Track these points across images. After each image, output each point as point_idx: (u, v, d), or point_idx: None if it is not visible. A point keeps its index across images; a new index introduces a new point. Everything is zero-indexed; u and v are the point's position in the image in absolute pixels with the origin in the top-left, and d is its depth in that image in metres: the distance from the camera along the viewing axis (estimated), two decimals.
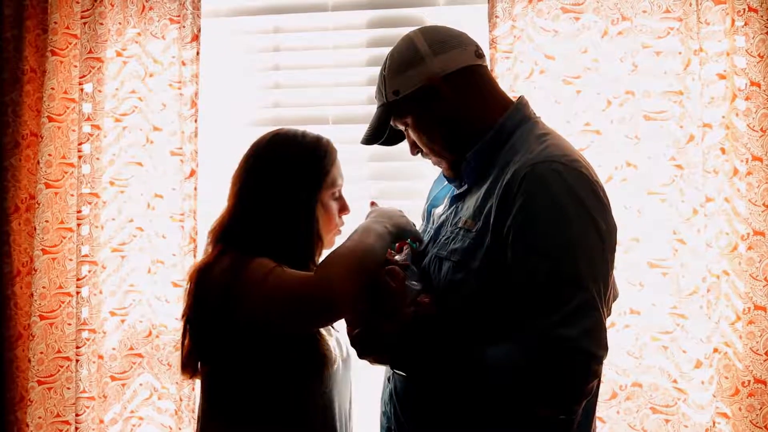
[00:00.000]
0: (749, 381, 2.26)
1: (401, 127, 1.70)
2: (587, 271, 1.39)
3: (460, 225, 1.56)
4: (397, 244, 1.72)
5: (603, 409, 2.32)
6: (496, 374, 1.41)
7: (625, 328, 2.33)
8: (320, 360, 1.70)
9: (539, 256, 1.39)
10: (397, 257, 1.65)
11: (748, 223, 2.28)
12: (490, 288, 1.46)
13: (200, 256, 2.52)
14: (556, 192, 1.41)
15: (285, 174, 1.70)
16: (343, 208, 1.81)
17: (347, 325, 1.60)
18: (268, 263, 1.59)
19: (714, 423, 2.27)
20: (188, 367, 1.73)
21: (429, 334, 1.50)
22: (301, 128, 1.79)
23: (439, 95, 1.59)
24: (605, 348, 1.39)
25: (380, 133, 1.71)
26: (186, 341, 1.72)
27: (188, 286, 1.70)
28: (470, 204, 1.57)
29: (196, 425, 2.47)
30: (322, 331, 1.72)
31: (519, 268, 1.41)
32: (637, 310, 2.33)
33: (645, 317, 2.33)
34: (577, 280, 1.38)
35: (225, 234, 1.72)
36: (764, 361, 2.25)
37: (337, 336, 1.79)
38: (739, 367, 2.28)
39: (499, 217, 1.46)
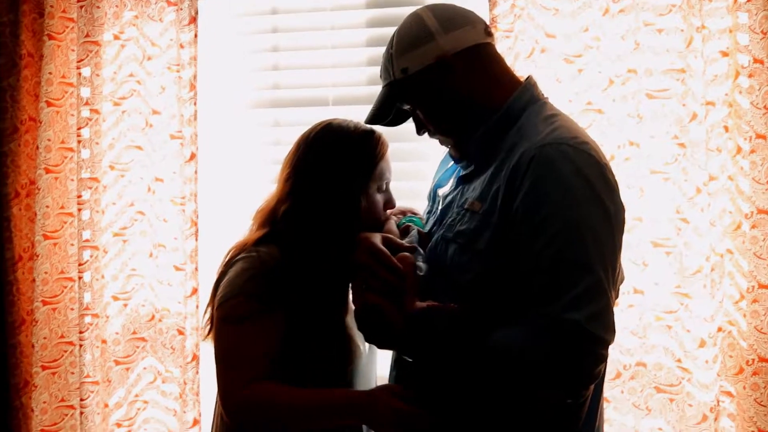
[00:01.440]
0: (753, 360, 2.26)
1: (407, 107, 1.68)
2: (595, 255, 1.38)
3: (466, 206, 1.55)
4: (403, 225, 1.72)
5: (607, 389, 2.31)
6: (503, 358, 1.40)
7: (628, 308, 2.32)
8: (345, 357, 1.74)
9: (547, 239, 1.38)
10: (405, 240, 1.65)
11: (751, 202, 2.26)
12: (497, 270, 1.46)
13: (202, 239, 2.56)
14: (564, 174, 1.40)
15: (334, 164, 1.73)
16: (389, 202, 1.81)
17: (355, 308, 1.59)
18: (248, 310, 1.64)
19: (718, 402, 2.27)
20: (205, 330, 1.79)
21: (436, 320, 1.48)
22: (353, 120, 1.80)
23: (448, 74, 1.57)
24: (612, 332, 1.39)
25: (386, 113, 1.69)
26: (209, 309, 1.77)
27: (225, 258, 1.77)
28: (477, 185, 1.56)
29: (199, 408, 2.53)
30: (349, 327, 1.74)
31: (526, 251, 1.40)
32: (640, 289, 2.32)
33: (648, 297, 2.32)
34: (584, 264, 1.37)
35: (271, 217, 1.76)
36: None
37: None
38: (743, 345, 2.27)
39: (506, 199, 1.45)
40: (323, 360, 1.71)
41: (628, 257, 2.26)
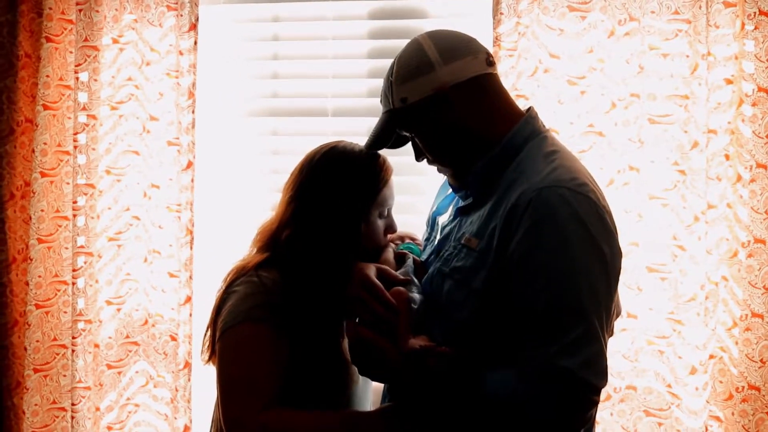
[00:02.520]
0: (743, 387, 2.27)
1: (406, 134, 1.66)
2: (590, 301, 1.38)
3: (463, 242, 1.54)
4: (399, 251, 1.72)
5: (597, 410, 2.32)
6: (494, 402, 1.40)
7: (621, 331, 2.31)
8: (344, 381, 1.74)
9: (542, 284, 1.38)
10: (400, 270, 1.64)
11: (749, 231, 2.25)
12: (492, 309, 1.45)
13: (197, 248, 2.54)
14: (562, 219, 1.39)
15: (338, 189, 1.70)
16: (390, 227, 1.79)
17: (348, 340, 1.57)
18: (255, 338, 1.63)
19: (706, 428, 2.28)
20: (206, 354, 1.76)
21: (430, 363, 1.47)
22: (358, 144, 1.77)
23: (448, 105, 1.55)
24: (605, 378, 1.39)
25: (386, 140, 1.67)
26: (209, 331, 1.75)
27: (226, 279, 1.74)
28: (475, 219, 1.55)
29: (190, 415, 2.54)
30: (346, 352, 1.73)
31: (521, 295, 1.40)
32: (634, 314, 2.32)
33: (642, 321, 2.32)
34: (579, 310, 1.37)
35: (272, 241, 1.74)
36: (759, 368, 2.25)
37: None
38: (734, 372, 2.28)
39: (502, 240, 1.44)
40: (323, 385, 1.70)
41: (622, 281, 2.24)
